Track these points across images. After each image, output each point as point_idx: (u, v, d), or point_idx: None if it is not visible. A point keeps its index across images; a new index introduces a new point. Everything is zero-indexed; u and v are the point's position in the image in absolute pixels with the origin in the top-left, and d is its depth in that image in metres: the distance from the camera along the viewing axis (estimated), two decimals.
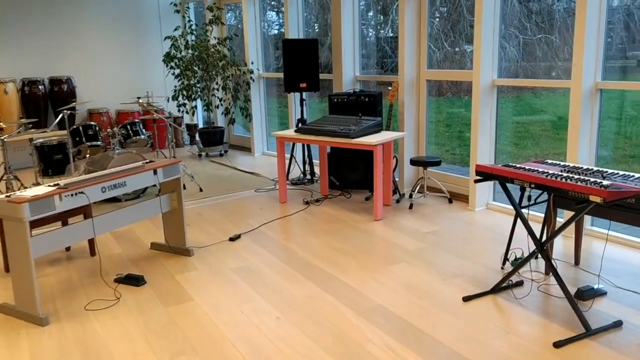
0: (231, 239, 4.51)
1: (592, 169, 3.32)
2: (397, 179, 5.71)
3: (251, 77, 7.75)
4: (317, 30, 8.49)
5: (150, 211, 4.02)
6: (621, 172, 3.24)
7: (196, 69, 7.65)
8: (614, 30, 4.54)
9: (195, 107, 8.31)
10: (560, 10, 6.18)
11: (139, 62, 8.51)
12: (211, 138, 8.03)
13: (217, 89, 7.83)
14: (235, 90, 7.86)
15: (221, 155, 8.07)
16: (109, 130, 5.76)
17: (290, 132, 5.39)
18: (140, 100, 6.23)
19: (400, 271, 3.77)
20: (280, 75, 6.34)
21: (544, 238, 3.66)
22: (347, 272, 3.79)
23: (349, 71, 6.29)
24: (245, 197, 5.82)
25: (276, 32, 8.65)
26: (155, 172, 3.91)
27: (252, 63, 7.78)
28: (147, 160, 4.20)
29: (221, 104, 8.03)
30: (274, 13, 8.86)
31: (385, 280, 3.63)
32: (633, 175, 3.17)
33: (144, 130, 6.63)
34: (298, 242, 4.42)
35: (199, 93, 7.77)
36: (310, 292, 3.51)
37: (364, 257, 4.05)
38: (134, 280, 3.69)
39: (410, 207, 5.21)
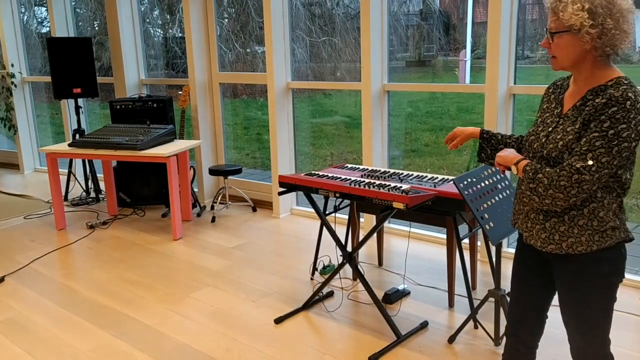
0: None
1: (389, 172, 3.35)
2: (196, 191, 5.28)
3: (12, 82, 6.53)
4: (97, 28, 7.57)
5: None
6: (415, 173, 3.32)
7: None
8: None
9: None
10: (339, 14, 6.39)
11: None
12: None
13: None
14: None
15: None
16: None
17: (63, 147, 4.59)
18: None
19: (206, 298, 3.38)
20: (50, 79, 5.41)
21: (349, 242, 3.62)
22: (144, 308, 3.28)
23: (132, 74, 5.64)
24: (12, 227, 4.82)
25: (48, 29, 7.49)
26: None
27: (13, 65, 6.56)
28: None
29: None
30: (44, 9, 7.66)
31: (188, 312, 3.21)
32: (426, 176, 3.27)
33: None
34: (81, 278, 3.73)
35: None
36: (98, 342, 2.92)
37: (163, 286, 3.57)
38: None
39: (213, 220, 4.84)
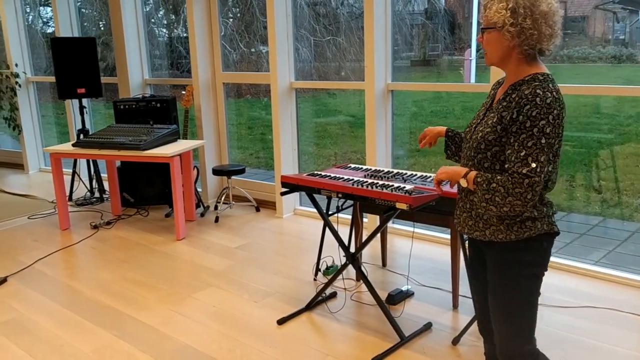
0: None
1: (392, 172, 3.32)
2: (200, 191, 5.27)
3: (17, 82, 6.54)
4: (102, 28, 7.58)
5: None
6: (419, 173, 3.29)
7: None
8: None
9: None
10: (344, 14, 6.37)
11: None
12: None
13: None
14: None
15: None
16: None
17: (67, 147, 4.59)
18: None
19: (209, 298, 3.37)
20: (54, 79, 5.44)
21: (352, 243, 3.60)
22: (147, 308, 3.27)
23: (136, 74, 5.64)
24: (15, 227, 4.82)
25: (53, 29, 7.50)
26: None
27: (17, 65, 6.58)
28: None
29: None
30: (49, 9, 7.67)
31: (191, 313, 3.20)
32: (430, 176, 3.23)
33: None
34: (85, 278, 3.73)
35: None
36: (100, 342, 2.91)
37: (166, 287, 3.56)
38: None
39: (216, 220, 4.83)
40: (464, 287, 3.26)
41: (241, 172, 5.00)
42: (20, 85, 6.60)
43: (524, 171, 1.65)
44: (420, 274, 3.61)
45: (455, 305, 3.16)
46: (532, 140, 1.65)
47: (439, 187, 1.97)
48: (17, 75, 6.56)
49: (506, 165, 1.71)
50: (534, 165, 1.65)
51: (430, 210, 3.06)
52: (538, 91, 1.66)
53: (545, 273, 1.84)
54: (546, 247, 1.80)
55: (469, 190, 1.82)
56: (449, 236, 3.17)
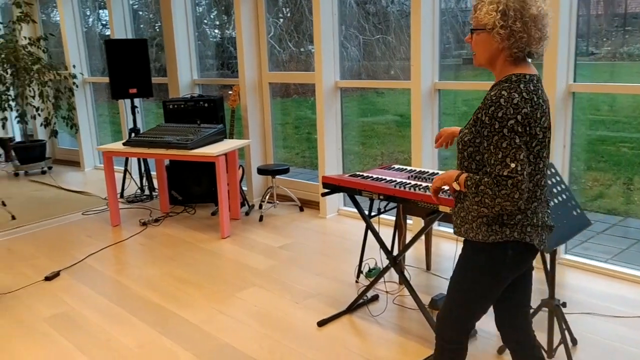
0: (47, 279, 3.77)
1: (437, 173, 3.23)
2: (245, 190, 5.32)
3: (74, 83, 6.81)
4: (157, 30, 7.78)
5: None
6: None
7: (5, 74, 6.51)
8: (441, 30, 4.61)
9: (5, 118, 7.01)
10: (394, 12, 6.28)
11: None
12: (30, 153, 6.93)
13: (34, 97, 6.75)
14: (56, 98, 6.85)
15: (43, 172, 7.01)
16: None
17: (118, 145, 4.73)
18: None
19: (251, 298, 3.39)
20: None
21: (396, 246, 3.54)
22: (190, 306, 3.32)
23: (185, 74, 5.75)
24: (70, 223, 5.01)
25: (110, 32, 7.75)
26: None
27: (74, 67, 6.84)
28: None
29: (39, 114, 6.95)
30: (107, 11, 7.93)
31: (233, 312, 3.23)
32: None
33: None
34: (132, 274, 3.83)
35: (9, 102, 6.63)
36: (145, 338, 2.97)
37: (210, 285, 3.60)
38: None
39: (261, 219, 4.86)
40: None
41: (285, 171, 5.02)
42: (77, 86, 6.87)
43: (505, 173, 1.65)
44: None
45: None
46: (506, 140, 1.65)
47: (436, 197, 1.94)
48: (74, 76, 6.82)
49: (488, 169, 1.70)
50: (513, 165, 1.64)
51: None
52: (503, 92, 1.66)
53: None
54: (511, 255, 1.78)
55: (462, 191, 1.82)
56: None
